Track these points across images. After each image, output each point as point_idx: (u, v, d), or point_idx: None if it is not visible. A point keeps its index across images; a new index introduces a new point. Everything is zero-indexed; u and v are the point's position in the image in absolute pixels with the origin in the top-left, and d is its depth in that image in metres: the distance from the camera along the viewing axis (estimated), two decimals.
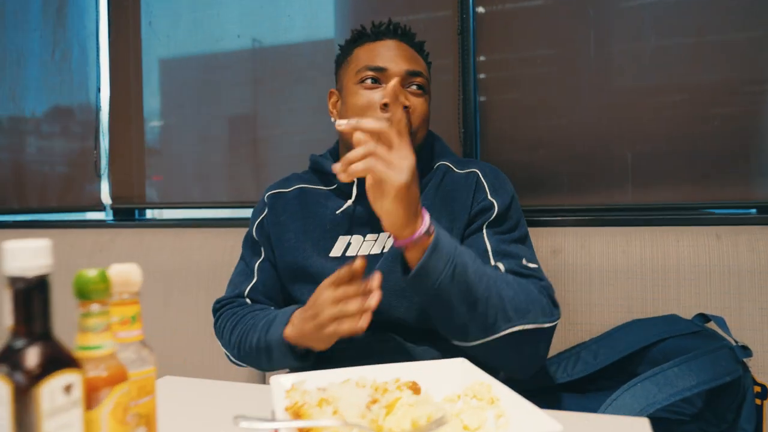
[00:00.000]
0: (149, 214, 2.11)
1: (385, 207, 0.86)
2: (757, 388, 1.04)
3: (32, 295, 0.46)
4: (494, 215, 1.07)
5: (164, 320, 1.65)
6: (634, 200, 1.45)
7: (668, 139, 1.44)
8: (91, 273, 0.50)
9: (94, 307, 0.50)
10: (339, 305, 0.87)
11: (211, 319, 1.20)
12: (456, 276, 0.89)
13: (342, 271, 0.89)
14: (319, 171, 1.22)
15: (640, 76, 1.47)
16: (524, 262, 1.04)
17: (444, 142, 1.25)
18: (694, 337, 1.15)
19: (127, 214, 2.05)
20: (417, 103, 1.11)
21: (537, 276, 1.03)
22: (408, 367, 0.76)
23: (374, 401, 0.62)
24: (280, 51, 1.83)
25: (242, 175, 1.87)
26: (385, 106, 1.05)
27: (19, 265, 0.46)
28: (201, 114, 1.90)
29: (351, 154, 0.84)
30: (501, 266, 1.02)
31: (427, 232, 0.89)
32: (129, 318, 0.56)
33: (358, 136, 0.86)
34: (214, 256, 1.63)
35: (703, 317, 1.20)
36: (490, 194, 1.10)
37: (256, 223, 1.23)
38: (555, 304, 1.01)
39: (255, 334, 1.05)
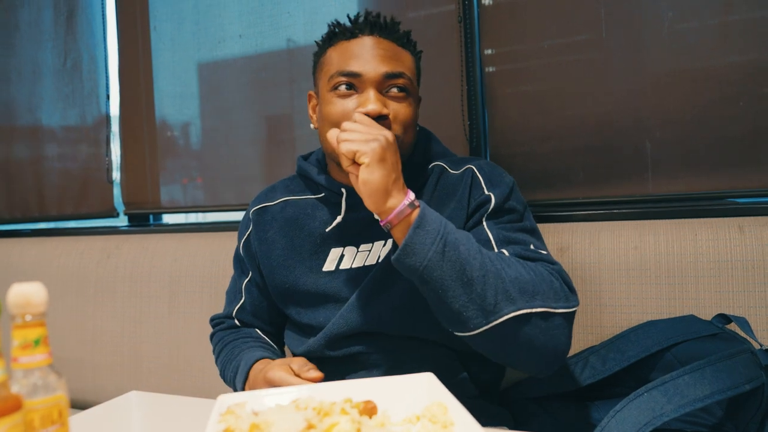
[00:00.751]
0: (182, 218, 2.12)
1: (361, 177, 0.85)
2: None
3: None
4: (492, 207, 1.00)
5: (170, 325, 1.64)
6: (653, 191, 1.34)
7: (690, 124, 1.32)
8: None
9: None
10: None
11: None
12: (447, 252, 0.83)
13: (284, 375, 0.89)
14: (306, 177, 1.16)
15: (657, 60, 1.35)
16: (532, 247, 0.96)
17: (439, 141, 1.17)
18: (712, 340, 1.05)
19: (142, 220, 2.05)
20: (398, 108, 1.00)
21: (547, 260, 0.95)
22: (367, 384, 0.70)
23: (310, 427, 0.56)
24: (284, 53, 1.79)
25: (267, 176, 1.83)
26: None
27: None
28: (241, 116, 1.86)
29: (339, 135, 0.89)
30: (505, 252, 0.94)
31: (411, 205, 0.86)
32: (31, 342, 0.51)
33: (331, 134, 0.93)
34: (225, 260, 1.60)
35: (724, 318, 1.09)
36: (487, 188, 1.03)
37: (242, 240, 1.19)
38: (571, 289, 0.92)
39: (229, 371, 1.06)
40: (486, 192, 1.02)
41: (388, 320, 1.01)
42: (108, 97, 2.03)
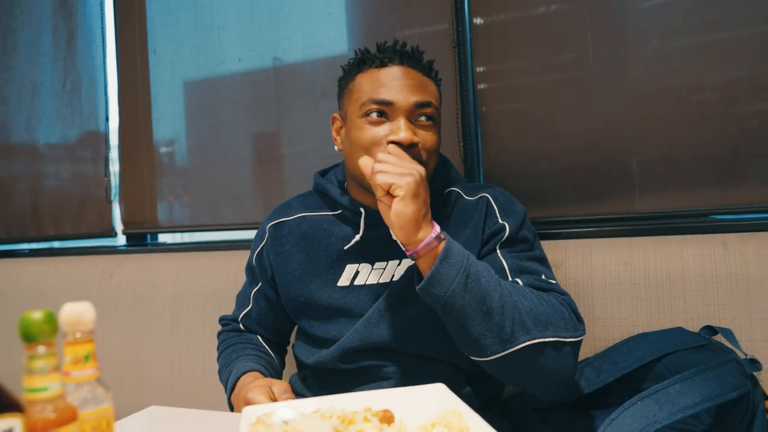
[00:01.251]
0: (178, 238, 2.14)
1: (394, 209, 0.90)
2: (755, 400, 0.99)
3: None
4: (506, 236, 1.06)
5: (174, 343, 1.67)
6: (640, 209, 1.41)
7: (676, 142, 1.39)
8: (36, 315, 0.50)
9: (40, 349, 0.50)
10: None
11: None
12: (469, 284, 0.88)
13: (265, 400, 0.95)
14: (323, 194, 1.21)
15: (643, 79, 1.42)
16: (543, 277, 1.03)
17: (454, 166, 1.24)
18: (700, 351, 1.11)
19: (139, 239, 2.08)
20: (427, 136, 1.05)
21: (558, 291, 1.01)
22: (383, 394, 0.74)
23: None
24: (286, 71, 1.84)
25: (263, 194, 1.87)
26: (392, 144, 1.03)
27: None
28: (224, 133, 1.90)
29: (375, 165, 0.94)
30: (519, 281, 1.00)
31: (438, 238, 0.91)
32: (81, 357, 0.56)
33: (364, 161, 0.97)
34: (225, 279, 1.64)
35: (710, 329, 1.15)
36: (501, 217, 1.09)
37: (256, 252, 1.24)
38: (579, 319, 0.99)
39: (224, 373, 1.12)
40: (500, 221, 1.08)
41: (400, 338, 1.05)
42: (107, 118, 2.06)
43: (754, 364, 1.03)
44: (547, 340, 0.91)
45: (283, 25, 1.82)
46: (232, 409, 1.07)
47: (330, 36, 1.78)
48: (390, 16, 1.70)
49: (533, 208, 1.48)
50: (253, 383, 1.00)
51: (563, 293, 1.01)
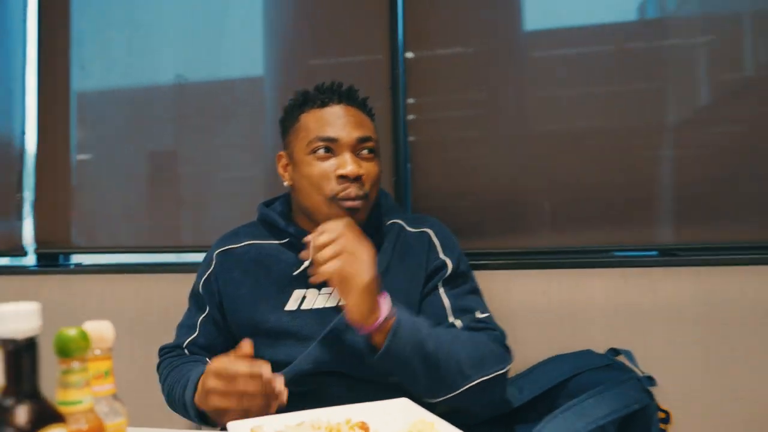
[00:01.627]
0: (94, 259, 2.06)
1: (351, 302, 0.97)
2: (662, 414, 1.17)
3: (22, 356, 0.49)
4: (448, 274, 1.17)
5: None
6: (550, 243, 1.58)
7: (581, 185, 1.58)
8: (72, 331, 0.54)
9: (75, 364, 0.54)
10: (232, 400, 0.92)
11: (146, 367, 1.21)
12: (417, 352, 0.98)
13: (227, 360, 0.94)
14: (269, 224, 1.26)
15: (553, 124, 1.60)
16: (478, 314, 1.14)
17: (389, 195, 1.33)
18: (606, 370, 1.28)
19: (51, 259, 1.99)
20: (369, 167, 1.15)
21: (490, 327, 1.13)
22: (356, 408, 0.82)
23: None
24: (204, 88, 1.87)
25: (169, 216, 1.87)
26: (340, 177, 1.12)
27: (10, 328, 0.49)
28: (125, 152, 1.89)
29: (319, 257, 0.97)
30: (458, 323, 1.12)
31: (387, 317, 0.99)
32: (102, 373, 0.59)
33: (318, 241, 0.99)
34: (142, 303, 1.62)
35: (614, 351, 1.33)
36: (442, 253, 1.19)
37: (203, 279, 1.25)
38: (507, 350, 1.12)
39: (178, 388, 1.10)
40: (441, 256, 1.19)
41: (351, 362, 1.11)
42: (23, 133, 1.98)
43: (651, 380, 1.20)
44: (483, 378, 1.03)
45: (227, 53, 1.85)
46: (198, 414, 1.06)
47: (239, 59, 1.83)
48: (307, 44, 1.79)
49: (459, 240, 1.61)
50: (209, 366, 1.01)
51: (495, 328, 1.14)
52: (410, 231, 1.23)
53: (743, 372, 1.40)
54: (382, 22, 1.71)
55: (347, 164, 1.11)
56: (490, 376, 1.04)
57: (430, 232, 1.22)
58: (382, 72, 1.70)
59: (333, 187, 1.12)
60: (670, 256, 1.52)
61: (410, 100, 1.70)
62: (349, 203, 1.13)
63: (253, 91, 1.84)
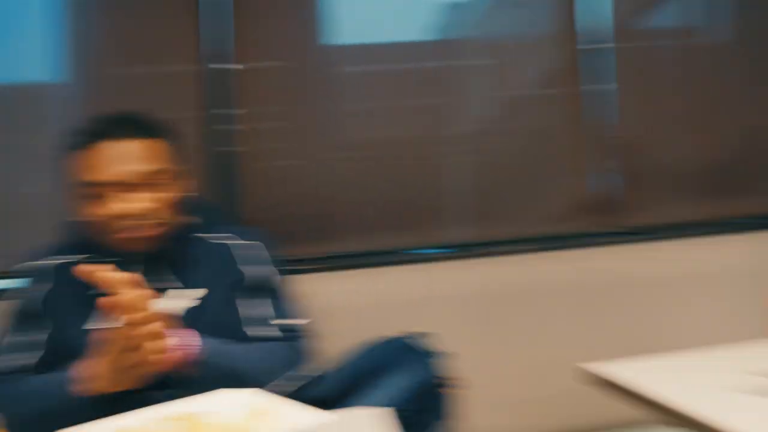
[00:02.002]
0: None
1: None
2: (453, 382, 1.35)
3: None
4: (244, 284, 1.26)
5: None
6: (339, 249, 1.79)
7: (376, 191, 1.81)
8: None
9: None
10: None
11: None
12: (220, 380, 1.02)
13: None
14: (70, 243, 1.26)
15: (361, 134, 1.85)
16: (272, 322, 1.24)
17: (214, 209, 1.43)
18: (402, 351, 1.47)
19: None
20: (158, 198, 1.16)
21: (283, 329, 1.24)
22: (183, 403, 0.86)
23: None
24: None
25: None
26: (119, 218, 1.12)
27: None
28: None
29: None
30: (251, 333, 1.21)
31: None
32: None
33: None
34: None
35: (410, 335, 1.53)
36: (239, 264, 1.28)
37: (44, 294, 1.21)
38: (300, 352, 1.24)
39: (49, 389, 1.07)
40: (238, 267, 1.27)
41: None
42: None
43: (439, 354, 1.41)
44: (277, 383, 1.14)
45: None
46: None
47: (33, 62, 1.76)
48: (116, 52, 1.78)
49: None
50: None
51: (289, 330, 1.25)
52: (210, 242, 1.29)
53: (518, 340, 1.76)
54: (189, 32, 1.75)
55: (123, 203, 1.12)
56: (284, 380, 1.15)
57: (229, 244, 1.29)
58: (192, 83, 1.74)
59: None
60: (462, 250, 1.82)
61: (238, 111, 1.76)
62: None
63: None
